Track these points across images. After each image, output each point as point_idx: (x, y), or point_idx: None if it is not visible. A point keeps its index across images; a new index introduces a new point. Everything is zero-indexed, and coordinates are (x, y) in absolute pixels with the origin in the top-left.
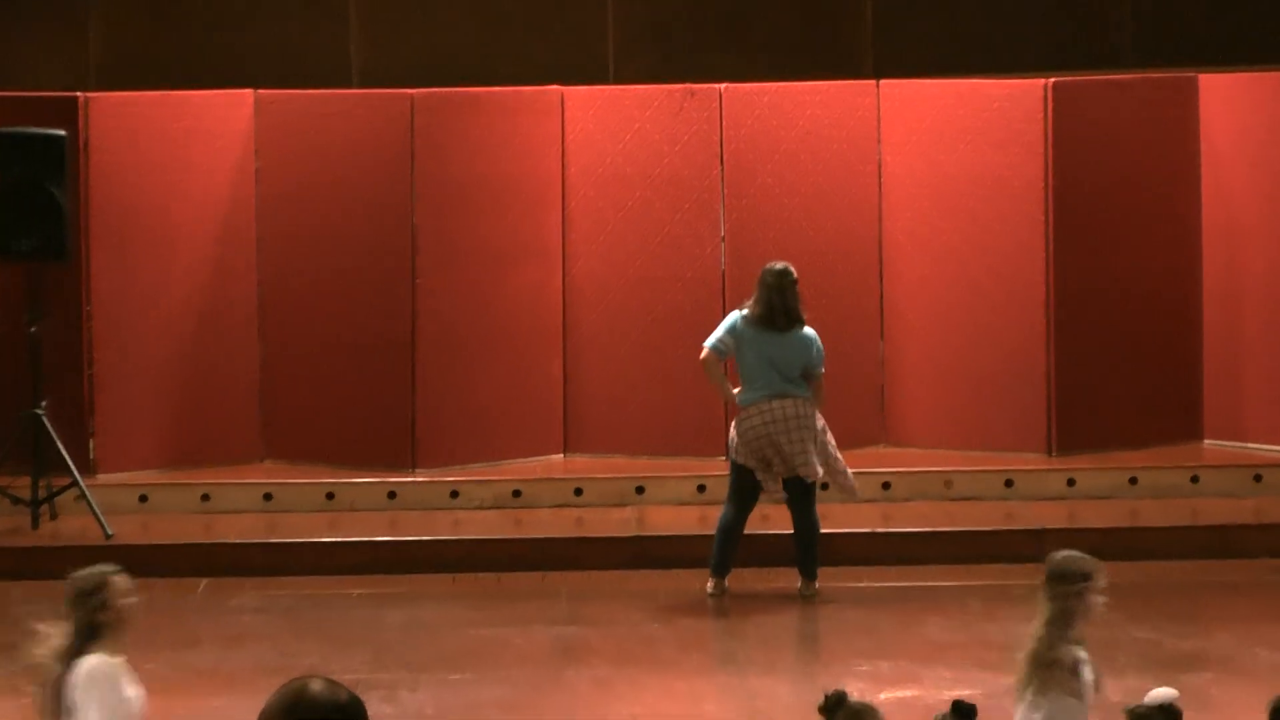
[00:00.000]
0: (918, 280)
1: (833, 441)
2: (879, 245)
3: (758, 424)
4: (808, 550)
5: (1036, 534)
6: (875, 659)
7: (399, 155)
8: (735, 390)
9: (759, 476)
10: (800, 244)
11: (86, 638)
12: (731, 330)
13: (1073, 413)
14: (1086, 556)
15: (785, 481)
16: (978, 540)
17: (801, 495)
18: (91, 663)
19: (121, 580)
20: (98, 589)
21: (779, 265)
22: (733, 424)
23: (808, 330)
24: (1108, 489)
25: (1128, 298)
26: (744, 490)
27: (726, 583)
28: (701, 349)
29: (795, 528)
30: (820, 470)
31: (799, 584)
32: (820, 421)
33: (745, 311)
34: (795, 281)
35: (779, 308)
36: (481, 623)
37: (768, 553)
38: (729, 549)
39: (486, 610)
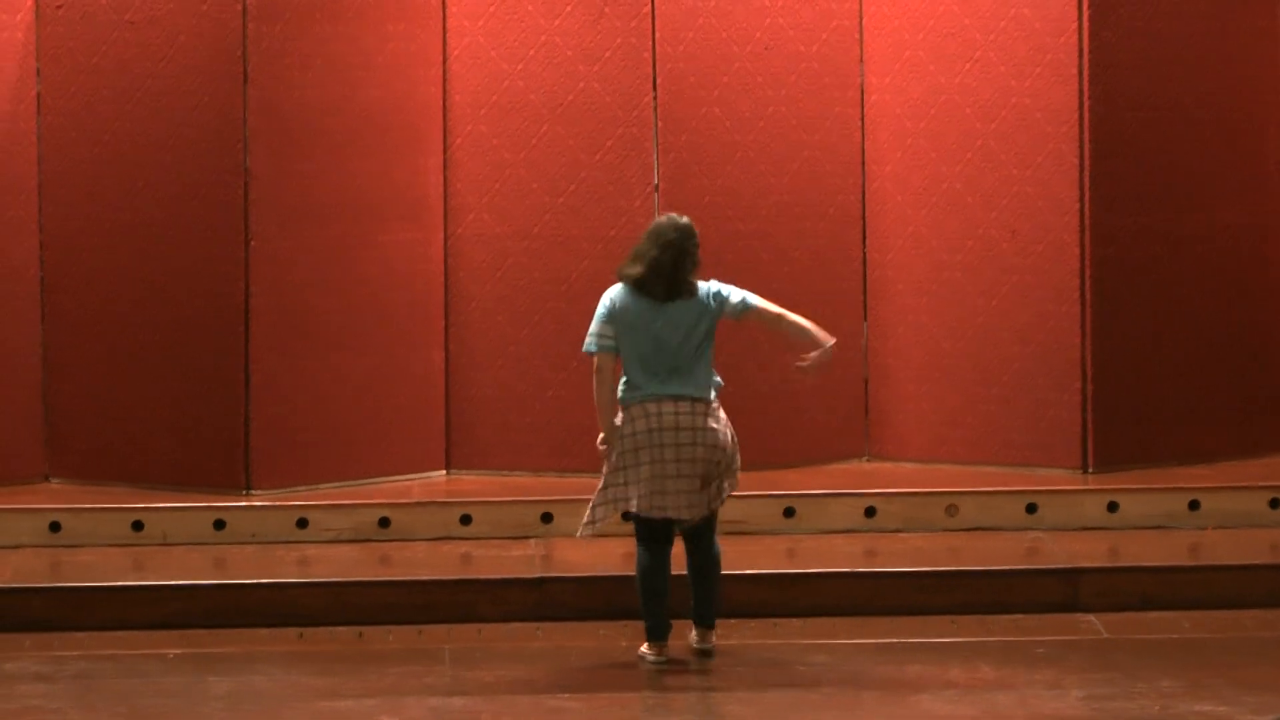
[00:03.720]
0: (911, 242)
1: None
2: (862, 197)
3: (641, 430)
4: (709, 590)
5: (1068, 575)
6: None
7: (227, 77)
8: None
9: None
10: (757, 195)
11: None
12: (610, 313)
13: (1116, 417)
14: None
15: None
16: (990, 584)
17: (701, 522)
18: None
19: None
20: None
21: (684, 219)
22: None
23: (700, 287)
24: (1161, 517)
25: (1188, 266)
26: (651, 523)
27: (669, 645)
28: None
29: (690, 562)
30: (718, 500)
31: (692, 636)
32: (728, 431)
33: (624, 277)
34: (698, 246)
35: (666, 272)
36: (337, 693)
37: (730, 597)
38: (658, 603)
39: (344, 677)
